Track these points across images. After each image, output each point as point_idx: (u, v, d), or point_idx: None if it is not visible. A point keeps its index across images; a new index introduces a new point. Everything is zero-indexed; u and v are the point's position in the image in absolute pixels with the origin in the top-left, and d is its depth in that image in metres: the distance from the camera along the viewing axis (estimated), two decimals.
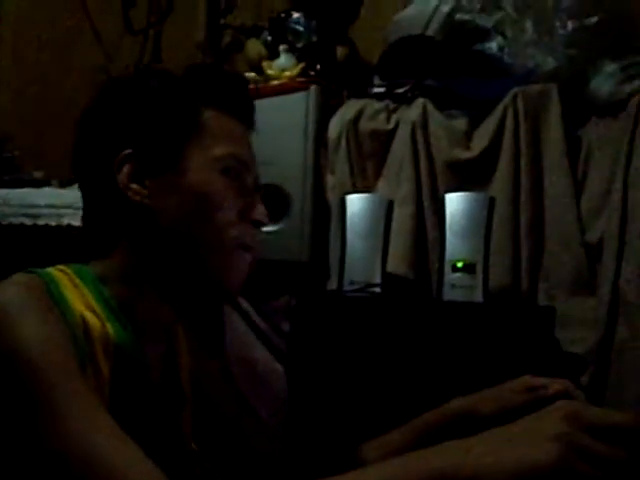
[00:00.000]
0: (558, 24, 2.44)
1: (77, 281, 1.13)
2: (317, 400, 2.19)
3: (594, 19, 2.41)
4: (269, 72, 2.57)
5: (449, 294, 2.17)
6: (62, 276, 1.13)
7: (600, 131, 2.39)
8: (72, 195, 2.51)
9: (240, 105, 1.25)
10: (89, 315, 1.10)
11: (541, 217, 2.33)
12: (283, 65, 2.57)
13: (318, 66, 2.59)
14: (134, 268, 1.17)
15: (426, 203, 2.34)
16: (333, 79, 2.58)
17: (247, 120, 1.27)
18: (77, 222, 2.43)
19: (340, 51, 2.65)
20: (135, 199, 1.15)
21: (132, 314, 1.16)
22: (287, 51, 2.57)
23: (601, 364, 2.21)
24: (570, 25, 2.43)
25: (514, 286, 2.29)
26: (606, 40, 2.42)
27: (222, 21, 2.89)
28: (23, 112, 2.97)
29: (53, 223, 2.42)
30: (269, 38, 2.67)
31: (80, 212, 2.51)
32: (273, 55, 2.64)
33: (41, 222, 2.41)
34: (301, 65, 2.55)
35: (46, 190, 2.54)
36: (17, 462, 0.96)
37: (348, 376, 2.16)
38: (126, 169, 1.16)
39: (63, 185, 2.57)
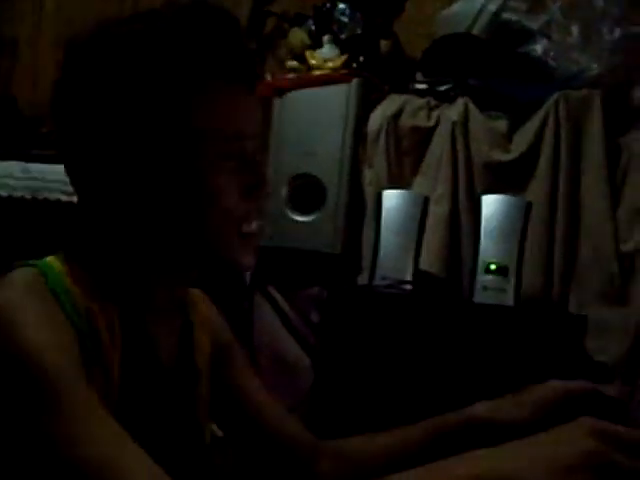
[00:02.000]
0: (605, 30, 2.43)
1: (79, 270, 1.09)
2: (341, 392, 2.20)
3: None
4: (312, 62, 2.56)
5: (480, 296, 2.17)
6: (61, 266, 1.08)
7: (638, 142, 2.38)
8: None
9: (244, 71, 1.13)
10: (95, 305, 1.06)
11: (577, 224, 2.31)
12: (326, 55, 2.56)
13: (361, 58, 2.58)
14: (143, 251, 1.12)
15: (462, 203, 2.34)
16: (375, 72, 2.57)
17: (245, 82, 1.13)
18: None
19: (384, 44, 2.64)
20: (134, 190, 1.08)
21: (141, 295, 1.13)
22: (331, 41, 2.57)
23: (628, 376, 2.21)
24: (617, 32, 2.41)
25: (545, 292, 2.28)
26: None
27: (265, 8, 2.87)
28: None
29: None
30: (313, 27, 2.66)
31: None
32: (316, 45, 2.63)
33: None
34: (344, 56, 2.54)
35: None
36: (20, 466, 0.94)
37: (374, 371, 2.16)
38: (124, 155, 1.07)
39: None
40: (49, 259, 1.08)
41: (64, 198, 2.43)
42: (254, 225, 1.14)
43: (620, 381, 2.21)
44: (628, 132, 2.40)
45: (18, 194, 2.44)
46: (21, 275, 1.04)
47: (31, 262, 1.06)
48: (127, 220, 1.10)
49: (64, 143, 1.11)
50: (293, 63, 2.67)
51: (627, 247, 2.29)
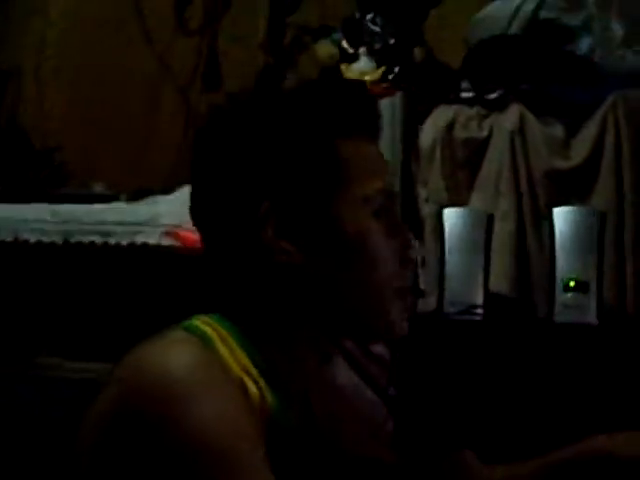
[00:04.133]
0: None
1: (229, 340, 1.00)
2: (418, 433, 2.08)
3: None
4: (349, 75, 2.43)
5: (561, 315, 2.06)
6: (212, 332, 1.00)
7: None
8: (144, 211, 2.37)
9: (373, 124, 1.10)
10: (249, 381, 0.98)
11: None
12: (363, 68, 2.44)
13: (396, 69, 2.46)
14: (283, 328, 1.03)
15: (527, 217, 2.23)
16: (413, 83, 2.46)
17: (377, 135, 1.10)
18: (153, 240, 2.29)
19: (417, 53, 2.52)
20: (282, 259, 1.01)
21: (279, 379, 1.03)
22: (366, 53, 2.44)
23: None
24: None
25: (619, 305, 2.19)
26: None
27: (285, 20, 2.74)
28: (71, 120, 2.81)
29: (125, 242, 2.27)
30: (342, 39, 2.53)
31: (157, 229, 2.37)
32: (345, 57, 2.51)
33: (112, 240, 2.27)
34: (382, 69, 2.42)
35: (115, 205, 2.39)
36: None
37: (456, 407, 2.05)
38: (269, 225, 1.00)
39: (131, 199, 2.42)
40: (196, 323, 1.00)
41: (98, 240, 2.28)
42: (409, 289, 1.07)
43: None
44: None
45: (48, 239, 2.29)
46: (178, 338, 0.97)
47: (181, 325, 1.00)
48: (276, 292, 1.02)
49: (209, 213, 1.06)
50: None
51: None
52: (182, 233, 2.33)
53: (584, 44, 2.41)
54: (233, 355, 0.98)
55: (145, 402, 0.88)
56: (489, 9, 2.53)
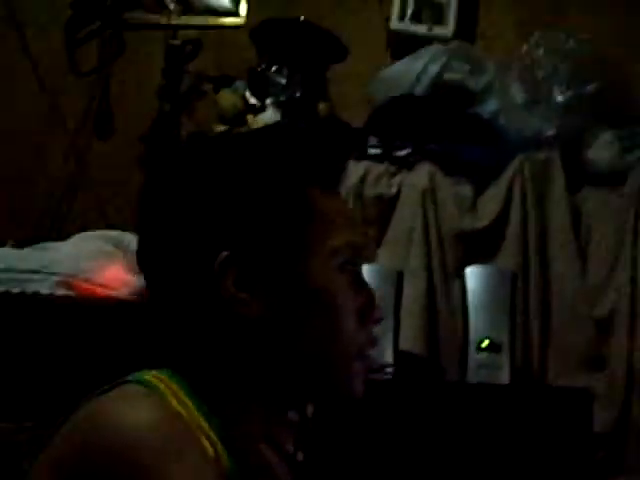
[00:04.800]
0: (556, 90, 2.40)
1: (181, 395, 0.92)
2: None
3: (593, 86, 2.39)
4: (254, 126, 2.39)
5: (474, 375, 2.05)
6: (165, 389, 0.92)
7: (597, 201, 2.36)
8: (35, 257, 2.23)
9: (340, 175, 1.03)
10: (205, 442, 0.90)
11: (549, 291, 2.26)
12: (269, 120, 2.39)
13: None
14: (237, 383, 0.96)
15: (437, 276, 2.22)
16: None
17: (340, 185, 1.04)
18: (46, 289, 2.15)
19: (321, 107, 2.50)
20: (241, 311, 0.93)
21: (235, 445, 0.95)
22: (273, 105, 2.40)
23: (617, 442, 2.16)
24: (569, 92, 2.39)
25: (527, 366, 2.21)
26: (604, 108, 2.40)
27: (182, 66, 2.67)
28: None
29: (15, 290, 2.12)
30: (246, 90, 2.48)
31: (49, 278, 2.23)
32: (251, 108, 2.46)
33: (1, 288, 2.12)
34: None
35: (2, 252, 2.23)
36: None
37: (363, 470, 1.99)
38: (228, 276, 0.93)
39: (20, 246, 2.27)
40: (146, 376, 0.92)
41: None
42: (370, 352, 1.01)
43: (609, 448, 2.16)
44: (579, 191, 2.38)
45: None
46: (139, 394, 0.90)
47: (131, 379, 0.92)
48: (230, 345, 0.94)
49: (159, 260, 0.97)
50: (221, 127, 2.49)
51: (600, 312, 2.26)
52: (76, 282, 2.21)
53: (488, 107, 2.45)
54: (189, 414, 0.90)
55: (112, 461, 0.82)
56: (394, 68, 2.55)
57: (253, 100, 2.46)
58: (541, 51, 2.43)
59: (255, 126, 2.40)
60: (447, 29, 2.65)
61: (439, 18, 2.66)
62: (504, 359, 2.06)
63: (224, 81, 2.57)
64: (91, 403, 0.90)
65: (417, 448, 1.98)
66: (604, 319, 2.24)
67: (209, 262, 0.92)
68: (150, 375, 0.93)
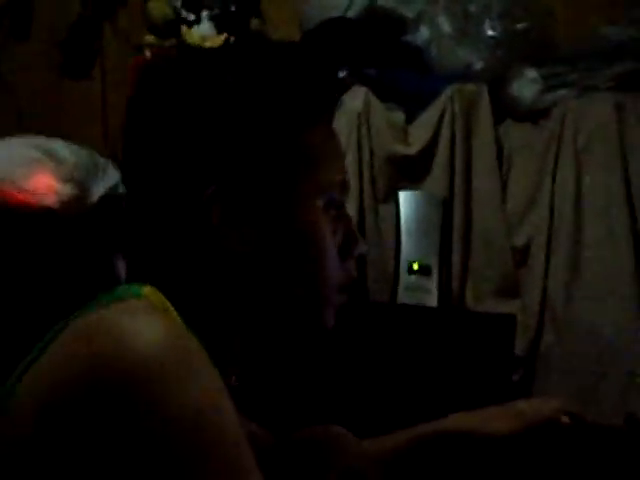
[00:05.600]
0: (486, 25, 2.45)
1: (174, 313, 0.92)
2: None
3: (523, 25, 2.45)
4: (189, 39, 2.34)
5: (404, 297, 2.12)
6: (167, 304, 0.91)
7: (519, 136, 2.44)
8: None
9: (335, 108, 1.03)
10: None
11: (471, 219, 2.34)
12: (204, 33, 2.35)
13: (232, 38, 2.40)
14: (217, 313, 0.96)
15: (368, 198, 2.26)
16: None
17: (333, 117, 1.03)
18: None
19: (254, 23, 2.47)
20: (227, 244, 0.93)
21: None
22: (209, 18, 2.36)
23: (528, 365, 2.28)
24: (499, 28, 2.44)
25: (443, 288, 2.28)
26: (531, 46, 2.46)
27: None
28: None
29: None
30: (179, 1, 2.42)
31: None
32: (185, 20, 2.41)
33: None
34: (223, 36, 2.35)
35: None
36: None
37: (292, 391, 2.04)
38: (216, 209, 0.92)
39: None
40: (147, 288, 0.91)
41: None
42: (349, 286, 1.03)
43: (522, 371, 2.28)
44: (501, 124, 2.46)
45: None
46: (147, 305, 0.88)
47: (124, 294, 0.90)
48: (224, 272, 0.94)
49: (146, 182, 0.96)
50: (151, 38, 2.43)
51: (518, 241, 2.36)
52: (2, 188, 2.14)
53: (420, 36, 2.48)
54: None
55: (130, 385, 0.76)
56: None
57: (186, 12, 2.40)
58: None
59: (189, 39, 2.35)
60: None
61: None
62: (433, 282, 2.13)
63: None
64: (86, 321, 0.84)
65: (347, 366, 2.03)
66: (521, 248, 2.35)
67: (196, 194, 0.92)
68: (144, 290, 0.91)
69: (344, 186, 1.00)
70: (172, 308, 0.91)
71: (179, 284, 0.94)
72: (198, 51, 1.00)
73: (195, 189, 0.91)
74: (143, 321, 0.82)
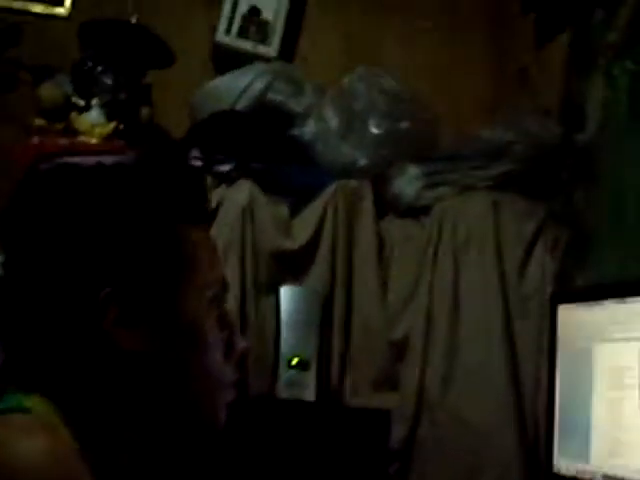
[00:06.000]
0: (371, 123, 2.52)
1: (62, 430, 0.92)
2: None
3: (406, 124, 2.54)
4: (78, 126, 2.35)
5: (283, 391, 2.14)
6: (51, 413, 0.92)
7: (400, 231, 2.52)
8: None
9: (206, 208, 1.08)
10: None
11: (351, 313, 2.39)
12: (94, 120, 2.36)
13: (121, 126, 2.42)
14: (111, 415, 0.97)
15: (250, 292, 2.29)
16: (137, 142, 2.42)
17: (209, 222, 1.09)
18: None
19: (144, 112, 2.50)
20: (122, 344, 0.95)
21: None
22: (99, 106, 2.37)
23: (405, 456, 2.32)
24: (383, 126, 2.52)
25: (322, 383, 2.31)
26: (413, 145, 2.55)
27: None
28: None
29: None
30: (70, 85, 2.43)
31: None
32: (75, 106, 2.42)
33: None
34: (113, 124, 2.37)
35: None
36: None
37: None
38: (111, 310, 0.94)
39: None
40: (30, 401, 0.91)
41: None
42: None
43: (398, 464, 2.31)
44: (385, 218, 2.53)
45: None
46: (29, 426, 0.87)
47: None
48: (104, 376, 0.96)
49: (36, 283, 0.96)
50: (41, 121, 2.43)
51: (396, 335, 2.41)
52: None
53: (307, 130, 2.54)
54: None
55: None
56: (218, 82, 2.59)
57: (77, 98, 2.41)
58: (361, 84, 2.55)
59: (78, 125, 2.36)
60: (272, 48, 2.72)
61: (264, 37, 2.73)
62: (311, 377, 2.17)
63: (45, 72, 2.50)
64: None
65: (225, 460, 2.03)
66: (400, 342, 2.40)
67: (91, 298, 0.93)
68: (31, 401, 0.91)
69: (224, 283, 1.03)
70: (60, 421, 0.91)
71: (67, 386, 0.94)
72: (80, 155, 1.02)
73: (91, 292, 0.93)
74: (26, 444, 0.83)
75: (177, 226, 0.98)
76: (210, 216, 1.09)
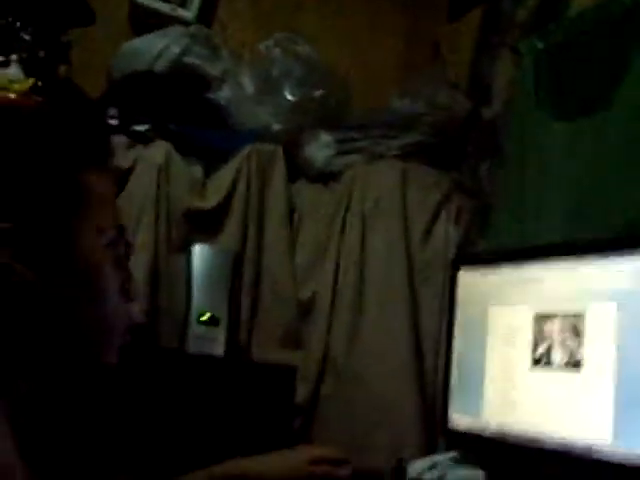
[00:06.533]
0: (287, 90, 2.59)
1: None
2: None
3: (320, 92, 2.61)
4: None
5: (192, 346, 2.20)
6: None
7: (310, 196, 2.60)
8: None
9: (107, 154, 1.11)
10: None
11: (261, 273, 2.46)
12: (12, 76, 2.36)
13: (39, 83, 2.43)
14: (5, 345, 1.00)
15: (162, 250, 2.34)
16: (54, 99, 2.44)
17: (109, 165, 1.11)
18: None
19: (62, 70, 2.51)
20: (17, 280, 0.98)
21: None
22: (18, 62, 2.38)
23: (309, 412, 2.41)
24: (298, 93, 2.59)
25: (231, 338, 2.38)
26: (326, 113, 2.63)
27: None
28: None
29: None
30: None
31: None
32: None
33: None
34: (31, 80, 2.38)
35: None
36: None
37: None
38: (7, 247, 0.97)
39: None
40: None
41: None
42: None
43: (302, 419, 2.40)
44: (296, 182, 2.61)
45: None
46: None
47: None
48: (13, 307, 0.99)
49: None
50: None
51: (304, 295, 2.50)
52: None
53: (223, 94, 2.59)
54: None
55: None
56: (135, 43, 2.61)
57: None
58: (277, 51, 2.61)
59: None
60: (191, 12, 2.76)
61: (184, 0, 2.77)
62: (221, 333, 2.24)
63: None
64: None
65: (133, 409, 2.09)
66: (307, 302, 2.49)
67: None
68: None
69: (122, 229, 1.06)
70: None
71: None
72: None
73: None
74: None
75: (77, 170, 1.01)
76: (108, 159, 1.08)
